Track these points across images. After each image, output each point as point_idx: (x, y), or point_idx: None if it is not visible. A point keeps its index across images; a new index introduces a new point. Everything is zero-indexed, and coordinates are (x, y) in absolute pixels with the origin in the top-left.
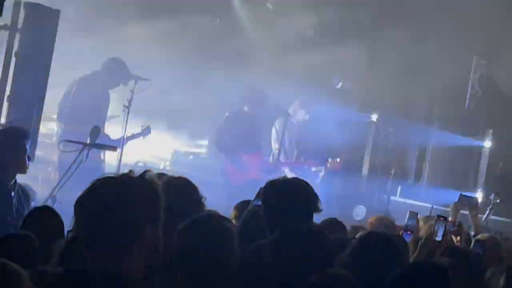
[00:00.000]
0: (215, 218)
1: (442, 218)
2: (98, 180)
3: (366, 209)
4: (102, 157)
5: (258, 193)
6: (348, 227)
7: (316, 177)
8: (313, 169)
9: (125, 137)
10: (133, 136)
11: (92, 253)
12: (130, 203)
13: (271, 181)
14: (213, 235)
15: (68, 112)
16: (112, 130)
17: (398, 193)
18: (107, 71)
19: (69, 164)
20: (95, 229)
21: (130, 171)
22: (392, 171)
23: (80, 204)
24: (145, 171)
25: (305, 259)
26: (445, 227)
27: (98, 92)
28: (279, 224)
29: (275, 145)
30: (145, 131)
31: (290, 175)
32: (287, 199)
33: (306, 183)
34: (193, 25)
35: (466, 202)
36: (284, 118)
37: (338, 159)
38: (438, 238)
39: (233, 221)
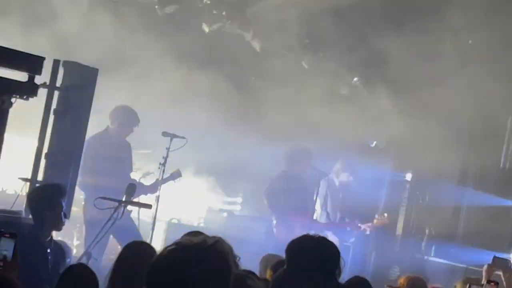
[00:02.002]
0: (241, 280)
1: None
2: (172, 249)
3: (400, 268)
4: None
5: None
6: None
7: (351, 237)
8: (361, 226)
9: (159, 188)
10: (163, 180)
11: None
12: (204, 279)
13: (293, 241)
14: None
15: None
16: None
17: (432, 252)
18: (116, 121)
19: (101, 222)
20: None
21: (203, 238)
22: (427, 231)
23: (153, 271)
24: (217, 241)
25: None
26: None
27: (113, 144)
28: (303, 284)
29: (317, 207)
30: (176, 174)
31: (332, 237)
32: (309, 259)
33: (329, 241)
34: (234, 82)
35: (500, 264)
36: (325, 179)
37: (386, 214)
38: None
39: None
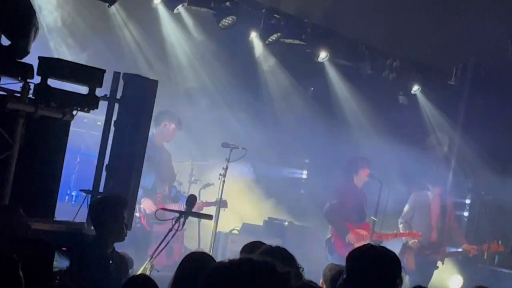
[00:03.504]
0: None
1: None
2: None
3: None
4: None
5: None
6: None
7: None
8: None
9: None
10: (208, 204)
11: None
12: None
13: (354, 250)
14: None
15: None
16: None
17: (495, 262)
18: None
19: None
20: None
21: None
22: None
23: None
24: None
25: None
26: None
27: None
28: None
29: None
30: (223, 204)
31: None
32: (370, 268)
33: (389, 251)
34: (291, 91)
35: None
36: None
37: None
38: None
39: None
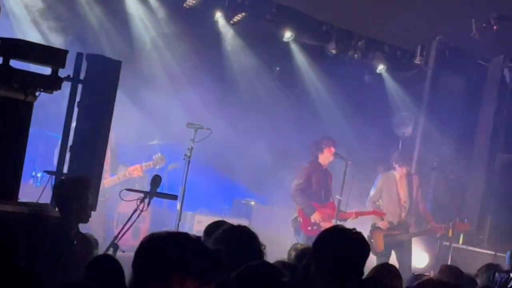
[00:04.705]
0: (266, 268)
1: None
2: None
3: (433, 257)
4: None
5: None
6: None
7: None
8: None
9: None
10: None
11: None
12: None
13: (322, 231)
14: (264, 285)
15: None
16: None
17: (460, 240)
18: None
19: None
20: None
21: None
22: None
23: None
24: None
25: None
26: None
27: None
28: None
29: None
30: (159, 160)
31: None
32: (338, 250)
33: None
34: (256, 71)
35: None
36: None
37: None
38: None
39: None
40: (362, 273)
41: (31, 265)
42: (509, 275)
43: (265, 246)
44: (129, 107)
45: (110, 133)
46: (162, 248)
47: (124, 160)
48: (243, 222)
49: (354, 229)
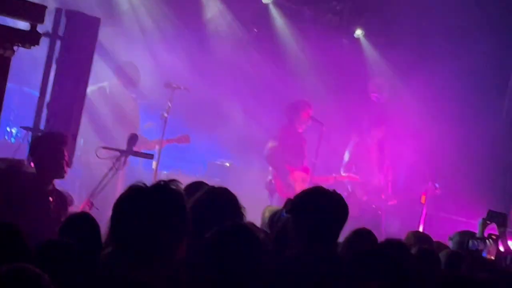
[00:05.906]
0: (244, 228)
1: None
2: (131, 189)
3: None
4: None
5: (285, 204)
6: None
7: None
8: None
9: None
10: (169, 140)
11: (123, 261)
12: (160, 215)
13: (304, 190)
14: (241, 246)
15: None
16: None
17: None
18: (121, 76)
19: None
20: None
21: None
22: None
23: (114, 213)
24: (171, 181)
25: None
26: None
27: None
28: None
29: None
30: (183, 139)
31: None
32: (316, 209)
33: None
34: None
35: (495, 218)
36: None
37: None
38: None
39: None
40: (338, 235)
41: (5, 220)
42: (485, 243)
43: (245, 208)
44: (102, 65)
45: None
46: None
47: None
48: (217, 183)
49: (334, 190)
